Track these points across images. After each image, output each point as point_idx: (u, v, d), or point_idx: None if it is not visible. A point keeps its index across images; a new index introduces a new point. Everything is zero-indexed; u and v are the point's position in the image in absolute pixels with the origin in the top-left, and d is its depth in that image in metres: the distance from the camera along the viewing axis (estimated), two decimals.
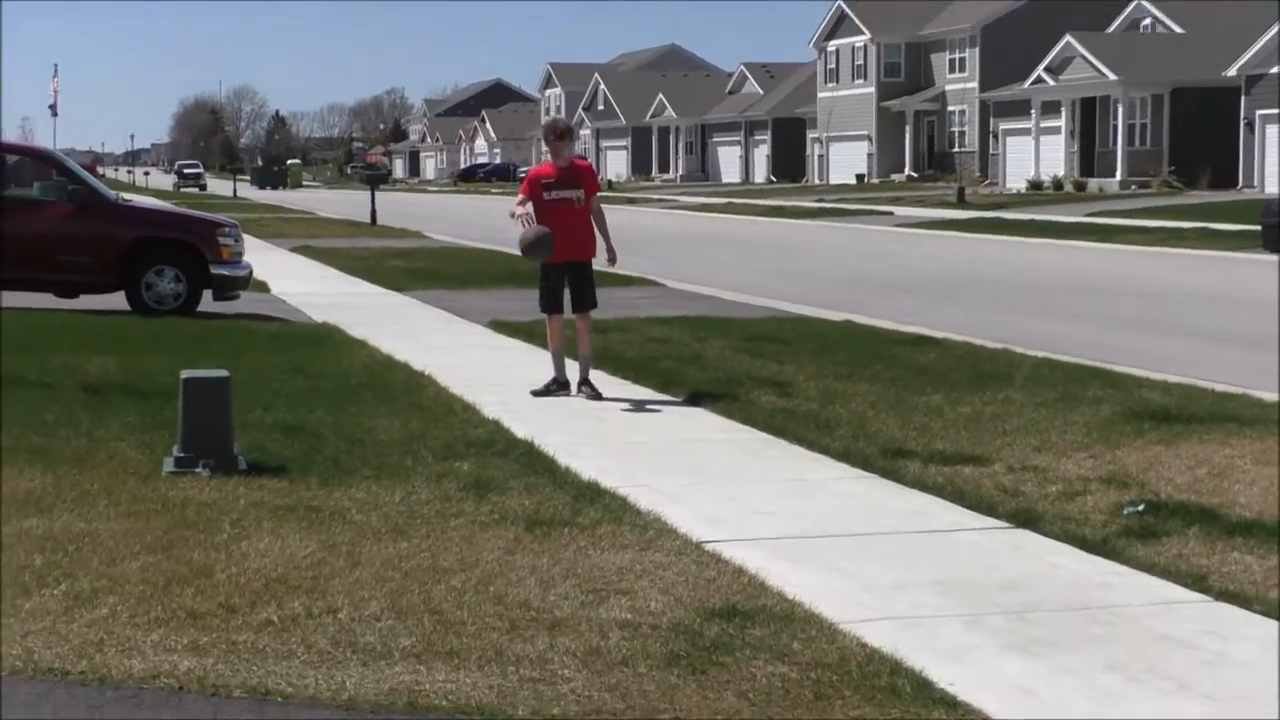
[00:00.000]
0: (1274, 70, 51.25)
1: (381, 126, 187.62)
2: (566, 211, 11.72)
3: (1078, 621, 6.08)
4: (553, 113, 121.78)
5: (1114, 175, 58.21)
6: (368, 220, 44.67)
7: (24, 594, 6.02)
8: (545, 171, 11.96)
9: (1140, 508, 7.82)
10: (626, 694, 5.08)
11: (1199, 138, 56.29)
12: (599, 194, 12.20)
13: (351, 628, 5.69)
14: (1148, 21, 64.49)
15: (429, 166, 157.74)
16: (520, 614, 5.92)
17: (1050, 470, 8.86)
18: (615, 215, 51.09)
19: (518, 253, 12.21)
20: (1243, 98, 53.00)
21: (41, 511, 7.39)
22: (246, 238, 20.54)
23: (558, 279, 11.92)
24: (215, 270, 17.53)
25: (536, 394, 11.78)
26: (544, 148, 12.16)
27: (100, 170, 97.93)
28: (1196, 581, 6.58)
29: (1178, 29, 61.89)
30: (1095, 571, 6.85)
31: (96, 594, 6.03)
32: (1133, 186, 56.50)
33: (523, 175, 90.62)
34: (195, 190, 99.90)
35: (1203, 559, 6.91)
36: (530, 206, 11.68)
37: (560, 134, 11.97)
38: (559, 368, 11.97)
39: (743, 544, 7.22)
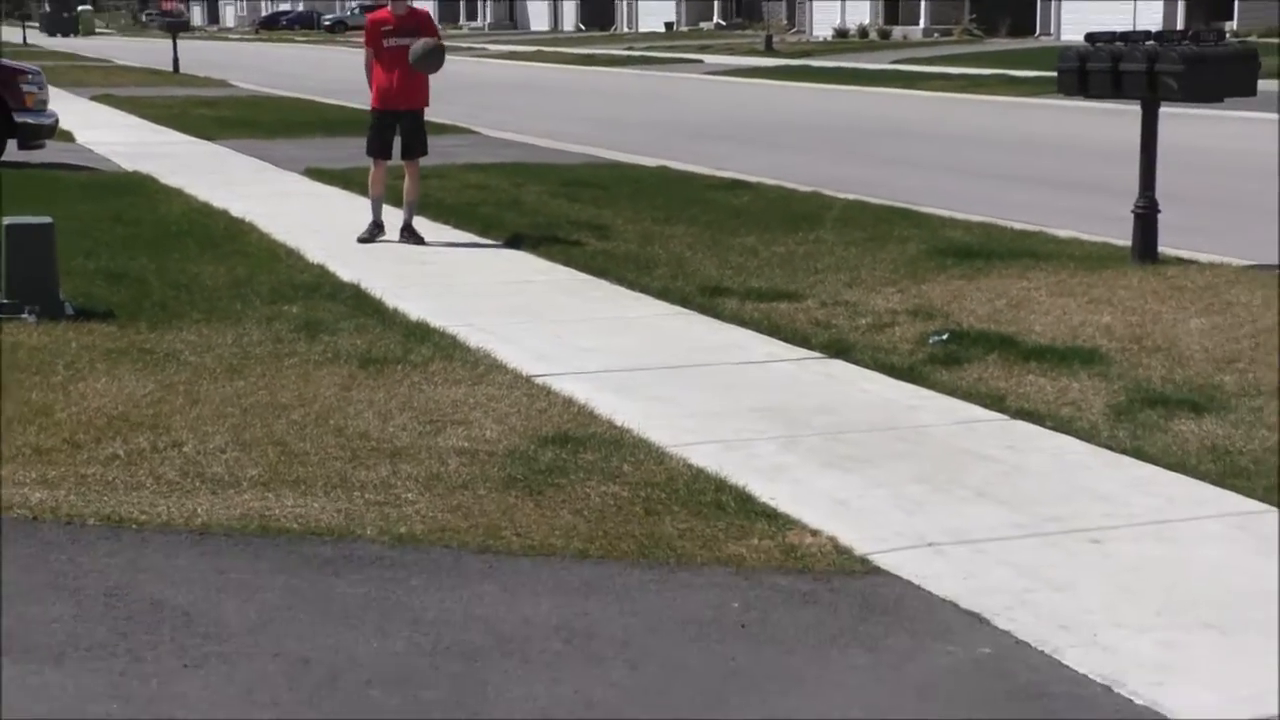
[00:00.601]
0: None
1: None
2: (404, 58, 11.73)
3: (887, 440, 6.49)
4: None
5: (917, 24, 59.05)
6: (169, 69, 43.48)
7: None
8: (384, 18, 11.94)
9: (944, 337, 8.27)
10: (469, 514, 5.35)
11: None
12: (439, 39, 12.15)
13: (198, 460, 5.86)
14: None
15: (229, 14, 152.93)
16: (361, 444, 6.13)
17: (861, 304, 9.27)
18: None
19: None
20: None
21: None
22: None
23: (390, 126, 11.95)
24: (19, 118, 17.08)
25: (362, 240, 11.85)
26: None
27: None
28: (995, 402, 7.04)
29: None
30: (903, 396, 7.28)
31: None
32: (935, 35, 57.42)
33: (328, 24, 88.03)
34: None
35: (1001, 382, 7.38)
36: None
37: None
38: (377, 211, 12.05)
39: (570, 377, 7.50)
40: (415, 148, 12.03)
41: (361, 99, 12.41)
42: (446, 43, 12.65)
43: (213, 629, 4.28)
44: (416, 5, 12.34)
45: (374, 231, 11.97)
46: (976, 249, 11.18)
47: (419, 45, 11.46)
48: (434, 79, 11.98)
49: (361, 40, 12.14)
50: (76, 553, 4.86)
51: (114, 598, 4.49)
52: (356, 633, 4.30)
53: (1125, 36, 10.52)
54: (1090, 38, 10.68)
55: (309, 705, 3.83)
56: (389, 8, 11.98)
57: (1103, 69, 10.36)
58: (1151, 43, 10.32)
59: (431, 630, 4.33)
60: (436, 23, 12.70)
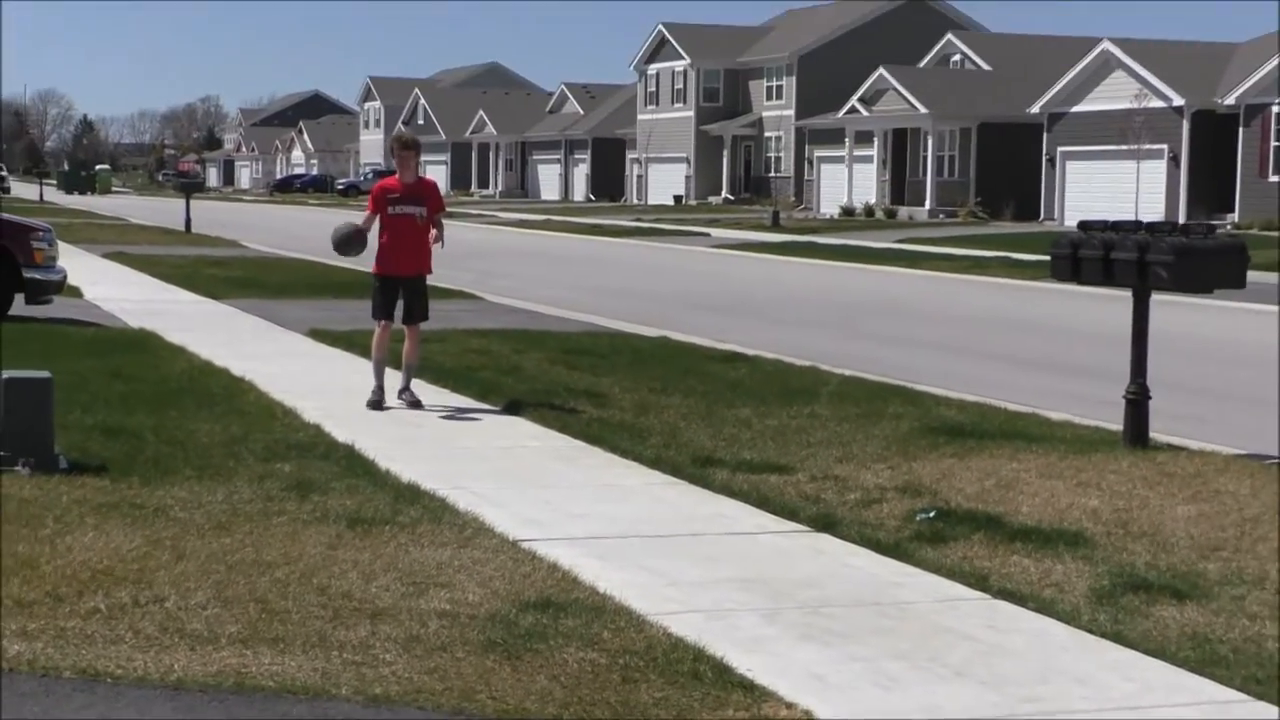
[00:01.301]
0: (1074, 109, 53.30)
1: (195, 134, 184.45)
2: (409, 227, 12.00)
3: (869, 616, 6.52)
4: (372, 125, 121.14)
5: (923, 204, 59.86)
6: (182, 228, 44.10)
7: None
8: (391, 185, 12.19)
9: (931, 514, 8.32)
10: (445, 676, 5.37)
11: (1004, 171, 58.19)
12: (442, 211, 12.36)
13: (178, 615, 5.89)
14: (957, 58, 66.51)
15: (244, 176, 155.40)
16: (343, 604, 6.17)
17: (850, 479, 9.34)
18: None
19: (334, 262, 12.50)
20: (1045, 134, 54.96)
21: None
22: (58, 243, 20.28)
23: (394, 290, 12.12)
24: (28, 274, 17.33)
25: (371, 406, 11.85)
26: (386, 161, 12.43)
27: None
28: (979, 581, 7.07)
29: (985, 66, 63.96)
30: (887, 572, 7.31)
31: None
32: (941, 215, 58.18)
33: (341, 188, 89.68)
34: None
35: (985, 561, 7.41)
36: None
37: (406, 145, 12.27)
38: (380, 376, 12.15)
39: (557, 543, 7.55)
40: (417, 313, 12.21)
41: (368, 262, 12.59)
42: (455, 209, 12.95)
43: None
44: (428, 176, 12.63)
45: (380, 395, 11.99)
46: (969, 428, 11.27)
47: (337, 227, 11.87)
48: (443, 246, 12.21)
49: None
50: (49, 705, 4.88)
51: None
52: None
53: (1116, 226, 10.72)
54: (1083, 225, 10.89)
55: None
56: (396, 175, 12.23)
57: (1095, 256, 10.55)
58: (1143, 233, 10.51)
59: None
60: (444, 192, 12.99)
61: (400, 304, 12.22)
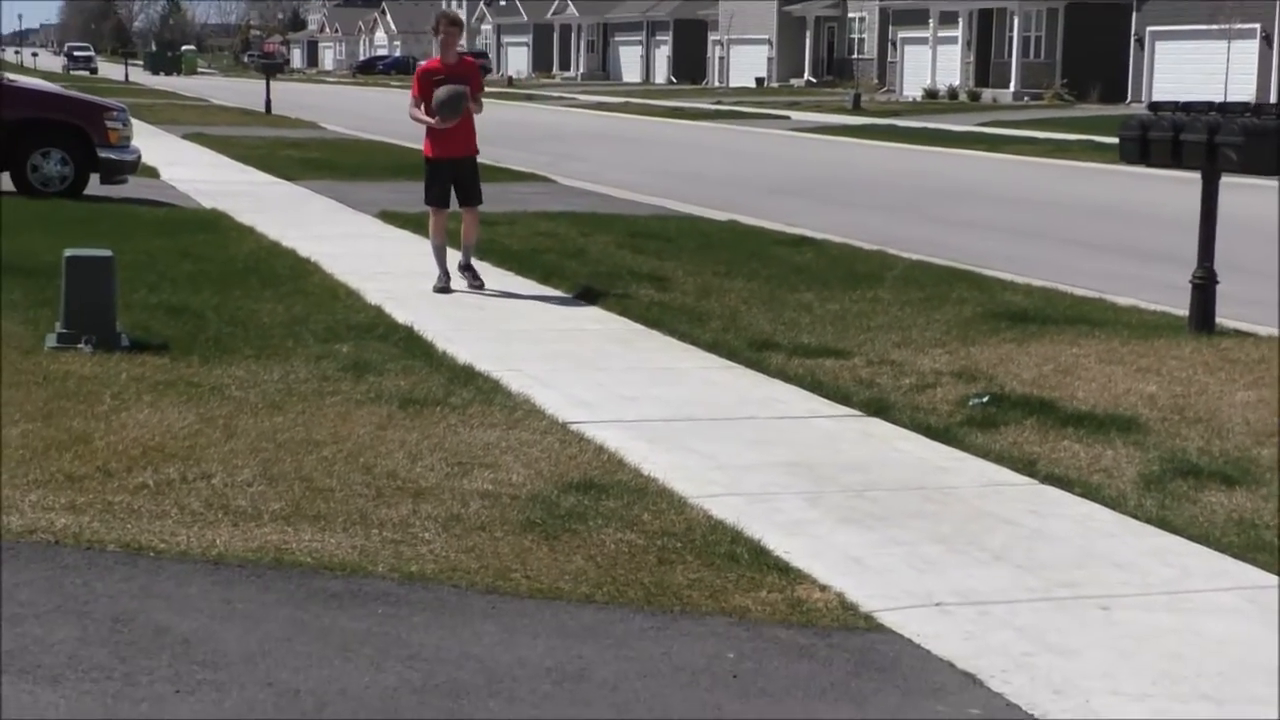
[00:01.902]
0: None
1: (280, 15, 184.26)
2: None
3: (912, 500, 6.50)
4: (453, 5, 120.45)
5: (1008, 86, 58.87)
6: (262, 109, 44.25)
7: None
8: (433, 67, 12.04)
9: (985, 399, 8.26)
10: (481, 555, 5.42)
11: (1091, 52, 57.02)
12: (482, 91, 12.27)
13: (224, 492, 5.97)
14: None
15: (327, 58, 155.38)
16: (387, 483, 6.23)
17: (907, 364, 9.28)
18: (514, 112, 51.00)
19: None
20: (1134, 13, 53.73)
21: None
22: (138, 123, 20.46)
23: (446, 173, 12.06)
24: (103, 154, 17.49)
25: (438, 290, 11.85)
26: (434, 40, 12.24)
27: None
28: (1026, 466, 7.02)
29: None
30: (936, 456, 7.28)
31: None
32: (1026, 98, 57.19)
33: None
34: (86, 73, 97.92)
35: (1035, 447, 7.36)
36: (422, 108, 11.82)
37: (454, 21, 12.14)
38: (441, 262, 12.12)
39: (606, 425, 7.57)
40: (472, 195, 12.11)
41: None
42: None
43: (211, 657, 4.37)
44: (473, 57, 12.46)
45: (445, 281, 12.01)
46: (1033, 313, 11.15)
47: (441, 91, 11.58)
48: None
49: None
50: (91, 578, 4.98)
51: (120, 623, 4.59)
52: (351, 666, 4.37)
53: (1188, 107, 10.49)
54: (1153, 106, 10.67)
55: None
56: (437, 56, 12.06)
57: (1163, 138, 10.35)
58: (1214, 114, 10.28)
59: (425, 666, 4.39)
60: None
61: (454, 189, 12.10)
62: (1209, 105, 10.54)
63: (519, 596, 5.06)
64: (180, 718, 3.97)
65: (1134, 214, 21.03)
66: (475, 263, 12.31)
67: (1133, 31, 53.84)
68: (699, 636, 4.78)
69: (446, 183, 12.08)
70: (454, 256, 12.29)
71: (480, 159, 12.36)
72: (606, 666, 4.49)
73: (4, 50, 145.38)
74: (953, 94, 60.19)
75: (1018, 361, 9.37)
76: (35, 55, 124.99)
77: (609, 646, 4.65)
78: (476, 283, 11.99)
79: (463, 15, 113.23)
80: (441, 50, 11.99)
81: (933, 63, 62.94)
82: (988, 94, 58.90)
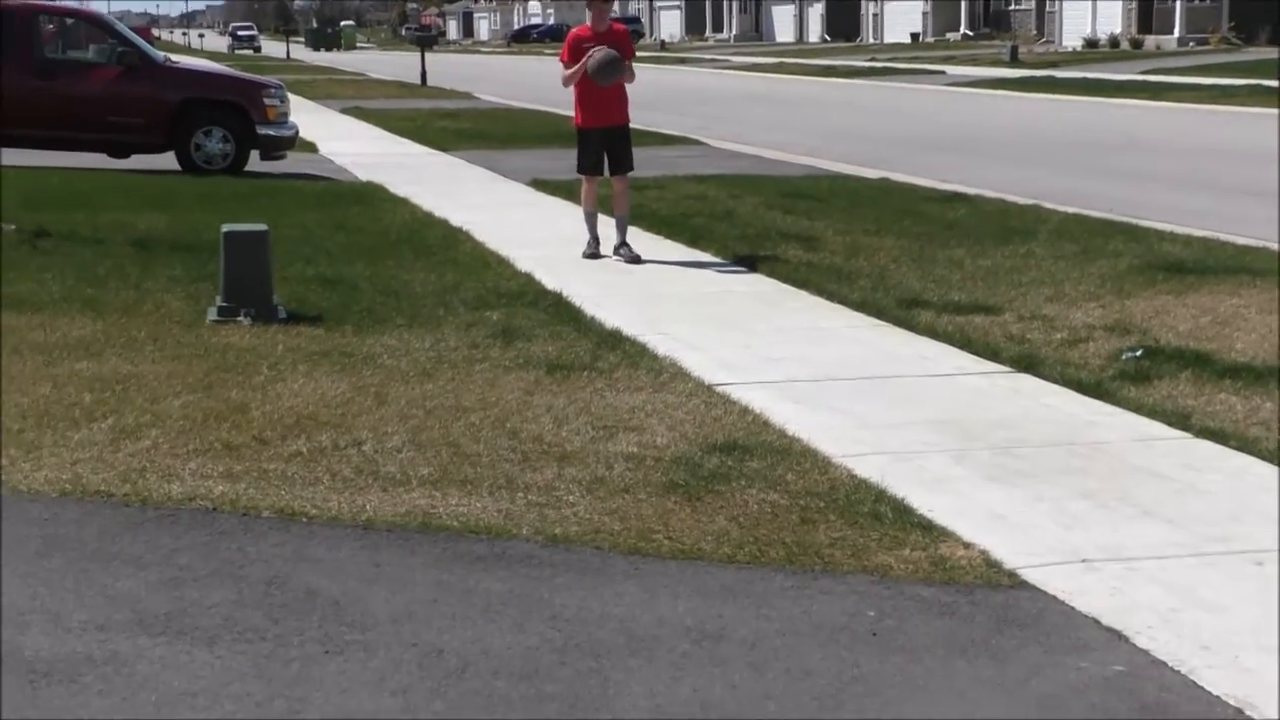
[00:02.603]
0: None
1: None
2: None
3: (1060, 456, 6.42)
4: None
5: (1172, 32, 57.45)
6: (418, 82, 44.80)
7: (73, 426, 6.47)
8: (584, 34, 12.01)
9: (1139, 353, 8.12)
10: (625, 518, 5.48)
11: None
12: (632, 60, 12.18)
13: (374, 459, 6.11)
14: None
15: (483, 28, 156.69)
16: (533, 447, 6.31)
17: (1058, 319, 9.15)
18: (666, 75, 51.06)
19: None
20: None
21: (91, 355, 7.83)
22: (297, 99, 20.88)
23: (597, 141, 12.03)
24: (262, 130, 17.88)
25: (587, 256, 11.93)
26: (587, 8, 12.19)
27: (156, 33, 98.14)
28: (1179, 420, 6.89)
29: None
30: (1085, 411, 7.17)
31: (140, 428, 6.47)
32: (1191, 44, 55.77)
33: None
34: (250, 52, 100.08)
35: (1190, 400, 7.22)
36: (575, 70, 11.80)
37: None
38: (593, 227, 12.19)
39: (752, 386, 7.59)
40: (622, 163, 12.09)
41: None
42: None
43: (358, 618, 4.48)
44: (622, 19, 12.41)
45: (595, 247, 12.10)
46: (1191, 265, 10.91)
47: (597, 57, 11.57)
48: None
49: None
50: (246, 543, 5.13)
51: (273, 586, 4.73)
52: (494, 626, 4.45)
53: None
54: None
55: (434, 693, 4.00)
56: (589, 23, 12.01)
57: None
58: None
59: (566, 627, 4.46)
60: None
61: (605, 157, 12.12)
62: None
63: (661, 558, 5.11)
64: (328, 677, 4.08)
65: None
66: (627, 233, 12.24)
67: None
68: (839, 595, 4.79)
69: (598, 151, 12.04)
70: (605, 224, 12.32)
71: (631, 125, 12.37)
72: (745, 625, 4.52)
73: (172, 33, 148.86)
74: (1114, 43, 58.87)
75: (1174, 314, 9.19)
76: (201, 36, 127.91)
77: (749, 605, 4.68)
78: (633, 256, 11.90)
79: None
80: (593, 18, 11.95)
81: (1093, 11, 61.63)
82: (1150, 41, 57.51)
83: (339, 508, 5.51)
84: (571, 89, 11.96)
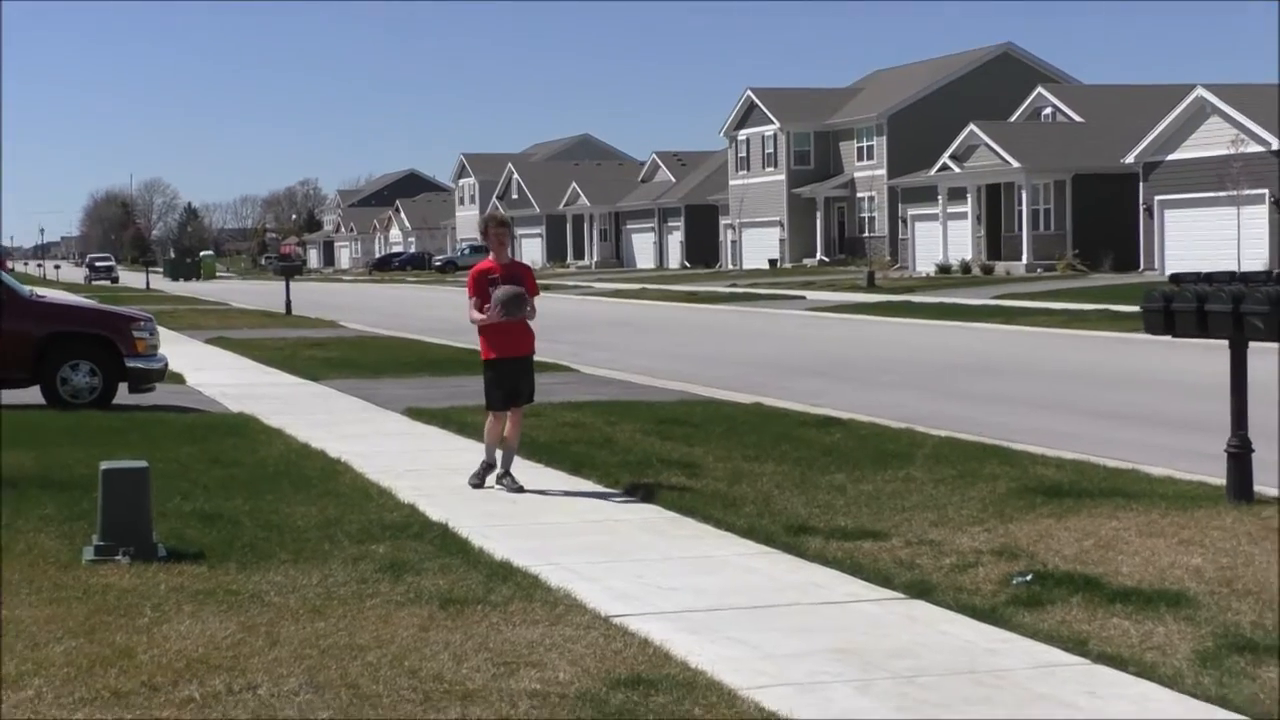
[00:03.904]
0: (1170, 157, 52.75)
1: (295, 217, 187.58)
2: None
3: (964, 684, 6.42)
4: (467, 201, 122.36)
5: (1020, 259, 59.40)
6: (283, 311, 44.76)
7: None
8: (490, 268, 12.01)
9: (1028, 578, 8.20)
10: None
11: (1101, 222, 57.70)
12: (536, 295, 12.08)
13: (271, 703, 5.93)
14: (1048, 111, 66.16)
15: (343, 256, 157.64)
16: (434, 686, 6.18)
17: (946, 543, 9.23)
18: None
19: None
20: (1141, 184, 54.40)
21: None
22: (161, 330, 20.70)
23: (504, 374, 11.91)
24: (130, 363, 17.68)
25: (474, 484, 11.81)
26: (475, 240, 12.32)
27: (10, 264, 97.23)
28: (1078, 645, 6.94)
29: (1077, 118, 63.60)
30: (983, 638, 7.20)
31: (22, 677, 6.22)
32: (1039, 270, 57.66)
33: (438, 264, 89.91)
34: (107, 283, 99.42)
35: (1084, 624, 7.28)
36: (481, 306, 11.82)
37: (503, 223, 12.19)
38: (491, 452, 12.02)
39: (649, 618, 7.53)
40: (525, 393, 12.06)
41: (465, 337, 12.62)
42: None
43: None
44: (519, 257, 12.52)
45: (485, 472, 11.95)
46: (1067, 487, 11.11)
47: (501, 292, 11.68)
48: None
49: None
50: None
51: None
52: None
53: (1210, 277, 10.58)
54: (1174, 279, 10.76)
55: None
56: (492, 257, 12.09)
57: (1189, 309, 10.41)
58: (1237, 284, 10.36)
59: None
60: (540, 265, 12.93)
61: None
62: (1231, 275, 10.62)
63: None
64: None
65: (1158, 382, 21.06)
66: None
67: (1141, 201, 54.46)
68: None
69: (507, 383, 11.93)
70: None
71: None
72: None
73: (27, 264, 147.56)
74: (965, 268, 60.74)
75: (1057, 537, 9.32)
76: (58, 267, 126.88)
77: None
78: (516, 487, 11.81)
79: (476, 210, 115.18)
80: (494, 251, 12.03)
81: (944, 238, 63.64)
82: (1001, 266, 59.42)
83: None
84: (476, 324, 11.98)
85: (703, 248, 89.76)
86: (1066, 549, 8.97)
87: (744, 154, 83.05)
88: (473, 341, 12.31)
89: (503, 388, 11.93)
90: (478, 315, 11.87)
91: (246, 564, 8.59)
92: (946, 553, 8.97)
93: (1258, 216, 48.91)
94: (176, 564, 8.55)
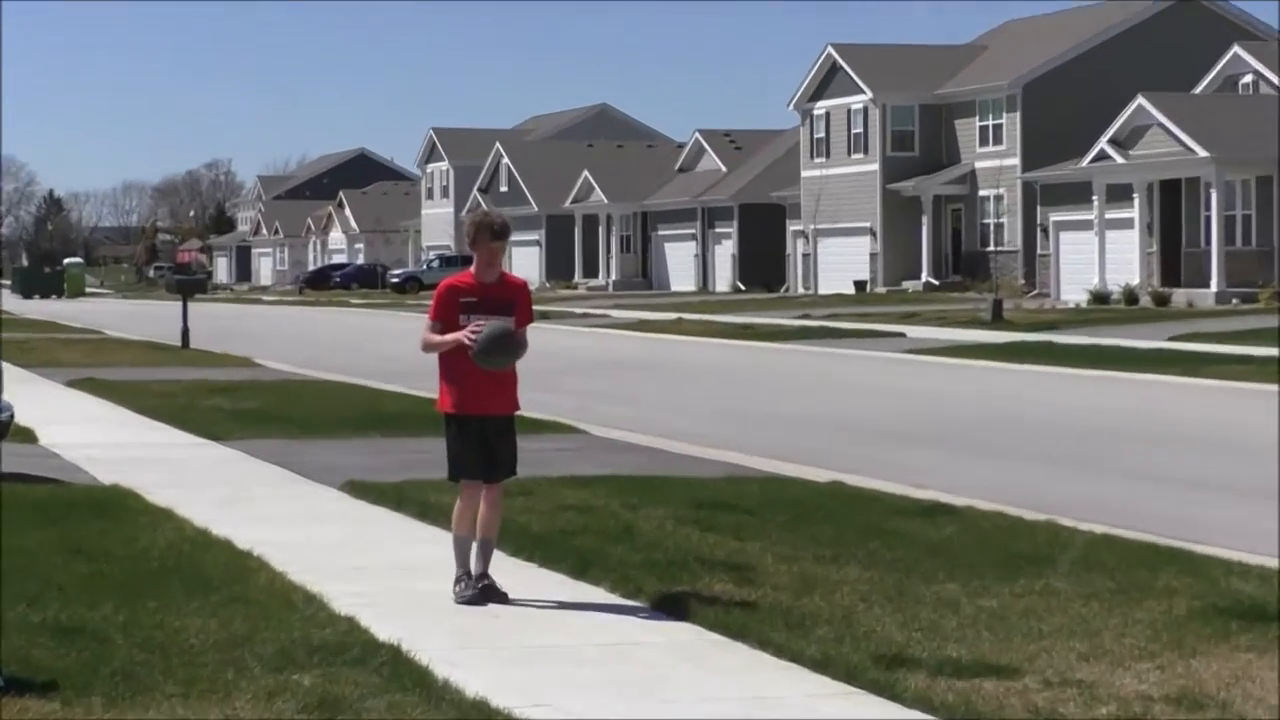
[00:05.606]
0: None
1: (192, 213, 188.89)
2: None
3: None
4: (437, 195, 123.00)
5: (1208, 284, 59.39)
6: (178, 342, 44.91)
7: None
8: (464, 285, 11.81)
9: None
10: None
11: None
12: (530, 323, 12.00)
13: None
14: (1248, 78, 66.18)
15: (264, 268, 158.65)
16: None
17: (1101, 685, 9.19)
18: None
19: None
20: None
21: None
22: (6, 367, 20.73)
23: (472, 435, 11.79)
24: None
25: (464, 600, 11.63)
26: (464, 248, 12.22)
27: None
28: None
29: None
30: None
31: None
32: (1234, 300, 57.64)
33: (396, 280, 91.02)
34: None
35: None
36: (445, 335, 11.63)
37: (497, 233, 11.81)
38: (463, 559, 11.85)
39: None
40: (503, 465, 11.93)
41: (429, 384, 12.55)
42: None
43: None
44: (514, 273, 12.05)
45: (472, 584, 11.74)
46: (1273, 608, 11.05)
47: (485, 331, 11.41)
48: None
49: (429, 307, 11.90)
50: None
51: None
52: None
53: None
54: None
55: None
56: (472, 271, 11.85)
57: None
58: None
59: None
60: (538, 284, 12.81)
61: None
62: None
63: None
64: None
65: None
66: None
67: None
68: None
69: (475, 447, 11.80)
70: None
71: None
72: None
73: None
74: (1130, 296, 60.74)
75: (1260, 679, 9.26)
76: None
77: None
78: (497, 598, 11.70)
79: (449, 207, 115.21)
80: (478, 263, 11.82)
81: (1100, 254, 63.65)
82: (1180, 295, 59.41)
83: None
84: (436, 358, 11.87)
85: (763, 263, 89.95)
86: (1272, 696, 8.90)
87: (821, 134, 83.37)
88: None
89: (469, 451, 11.83)
90: (434, 338, 11.74)
91: (117, 699, 8.58)
92: (1102, 698, 8.93)
93: None
94: (18, 698, 8.53)
